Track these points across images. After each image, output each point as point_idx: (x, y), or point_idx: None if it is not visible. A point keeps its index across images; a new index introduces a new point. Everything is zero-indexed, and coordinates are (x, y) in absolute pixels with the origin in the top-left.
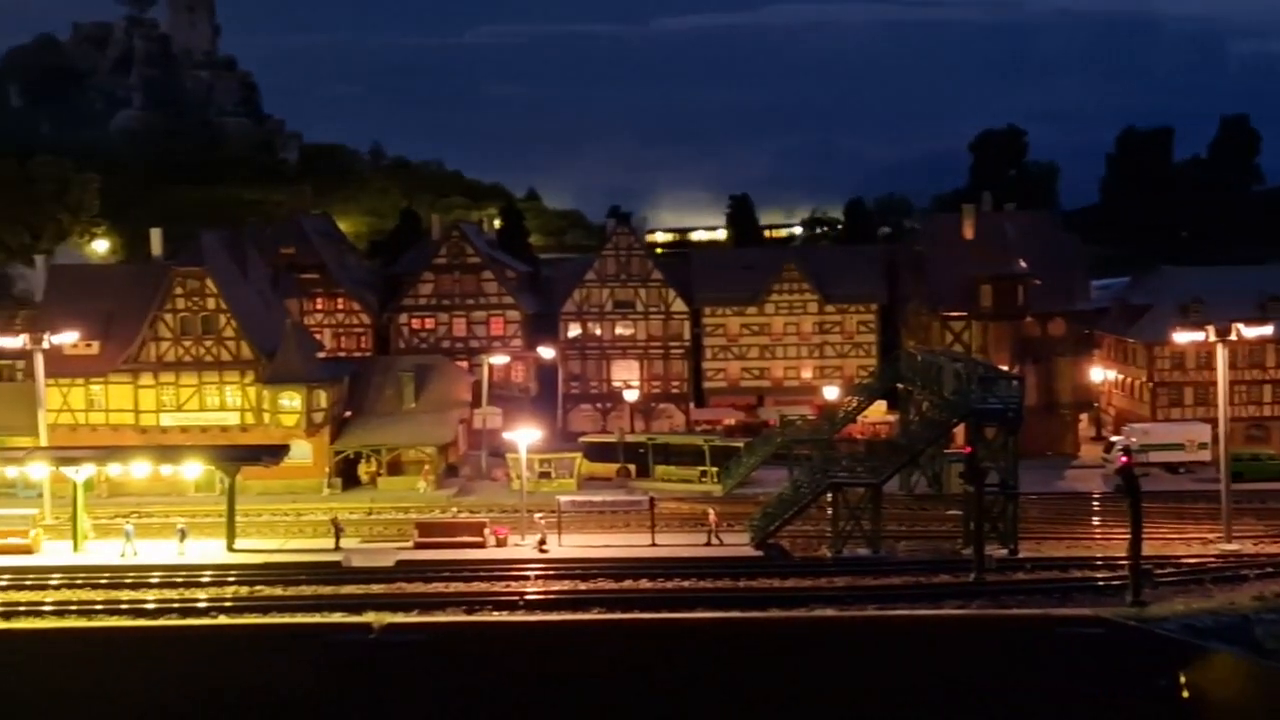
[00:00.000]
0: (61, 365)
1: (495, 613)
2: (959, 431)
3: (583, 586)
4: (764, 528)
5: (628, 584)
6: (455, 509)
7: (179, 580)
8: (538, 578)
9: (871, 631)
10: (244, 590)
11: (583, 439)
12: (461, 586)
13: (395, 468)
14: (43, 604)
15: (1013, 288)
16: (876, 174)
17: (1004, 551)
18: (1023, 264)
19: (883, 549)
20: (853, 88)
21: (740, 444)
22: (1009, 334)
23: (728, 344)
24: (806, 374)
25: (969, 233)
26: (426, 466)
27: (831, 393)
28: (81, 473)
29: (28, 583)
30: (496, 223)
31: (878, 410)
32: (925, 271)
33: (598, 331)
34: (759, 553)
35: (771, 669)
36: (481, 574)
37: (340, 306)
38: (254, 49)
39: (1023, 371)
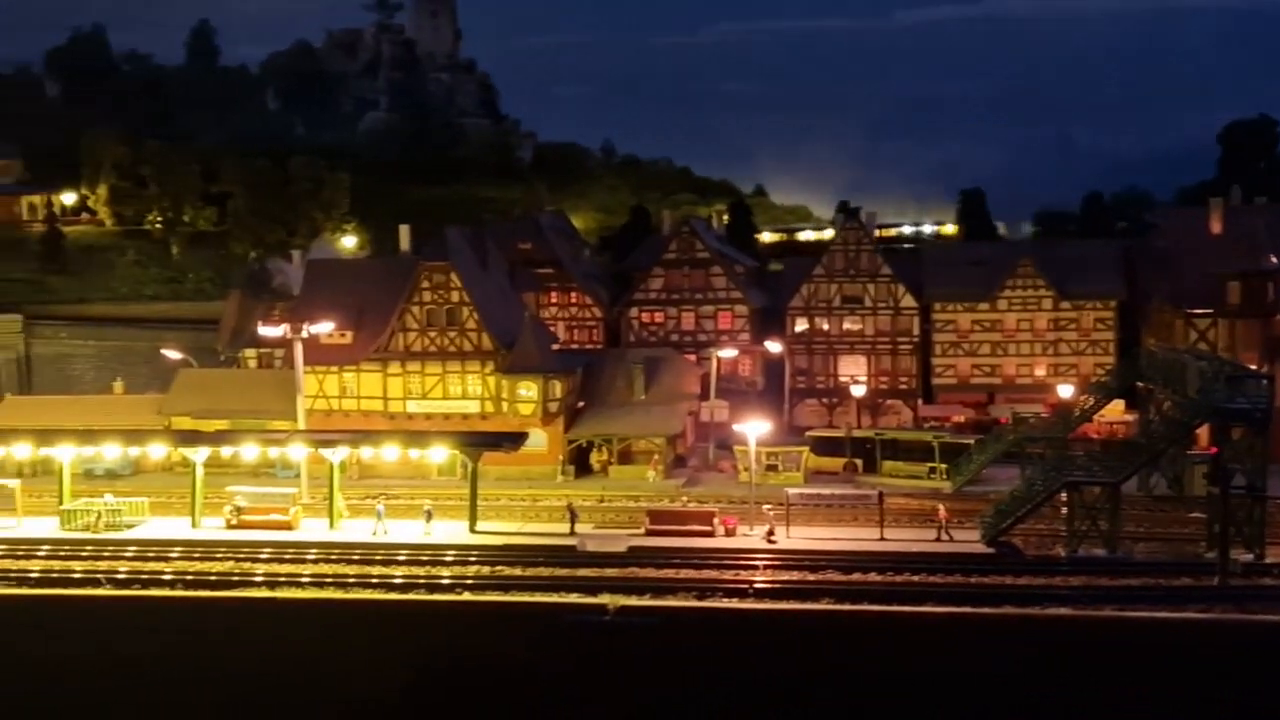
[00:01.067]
0: (318, 354)
1: (725, 599)
2: (1202, 432)
3: (811, 577)
4: (996, 525)
5: (856, 577)
6: (684, 498)
7: (425, 558)
8: (766, 567)
9: (1109, 632)
10: (485, 570)
11: (810, 433)
12: (692, 573)
13: (625, 457)
14: (301, 576)
15: (1263, 284)
16: (1114, 167)
17: (1249, 556)
18: (1274, 260)
19: (1120, 550)
20: (1091, 79)
21: (970, 441)
22: (1258, 332)
23: (958, 340)
24: (1040, 371)
25: (1216, 227)
26: (655, 456)
27: (1066, 391)
28: (337, 454)
29: (287, 556)
30: (725, 218)
31: (1115, 409)
32: (1168, 267)
33: (825, 326)
34: (990, 550)
35: (1003, 665)
36: (711, 562)
37: (573, 300)
38: (492, 51)
39: (1272, 371)
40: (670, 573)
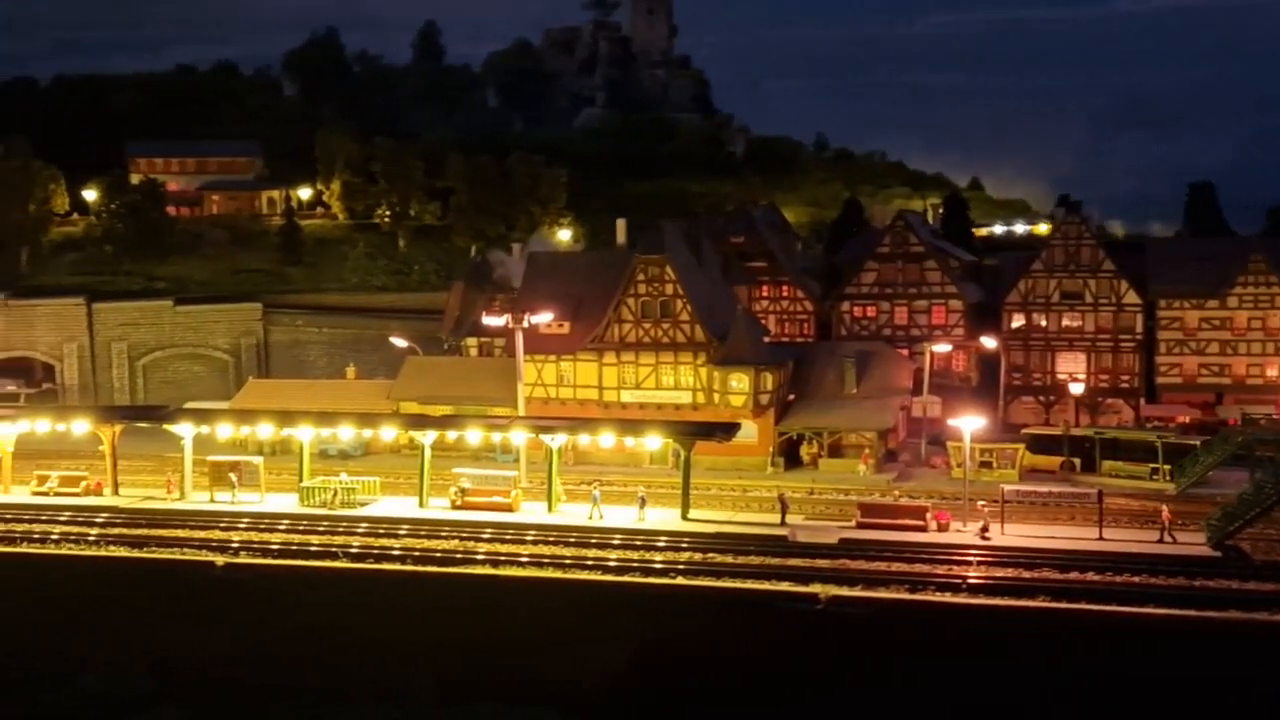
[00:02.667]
0: (537, 343)
1: (938, 593)
2: None
3: (1026, 575)
4: (1223, 528)
5: (1074, 575)
6: (896, 493)
7: (638, 543)
8: (980, 563)
9: None
10: (697, 556)
11: (1025, 430)
12: (903, 566)
13: (836, 450)
14: (520, 556)
15: None
16: None
17: None
18: None
19: None
20: None
21: (1196, 442)
22: None
23: (1184, 338)
24: (1272, 372)
25: None
26: (866, 450)
27: None
28: (556, 440)
29: (508, 536)
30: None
31: None
32: None
33: (1043, 322)
34: (1217, 553)
35: (1227, 669)
36: (923, 556)
37: (785, 294)
38: (706, 47)
39: None
40: (881, 565)
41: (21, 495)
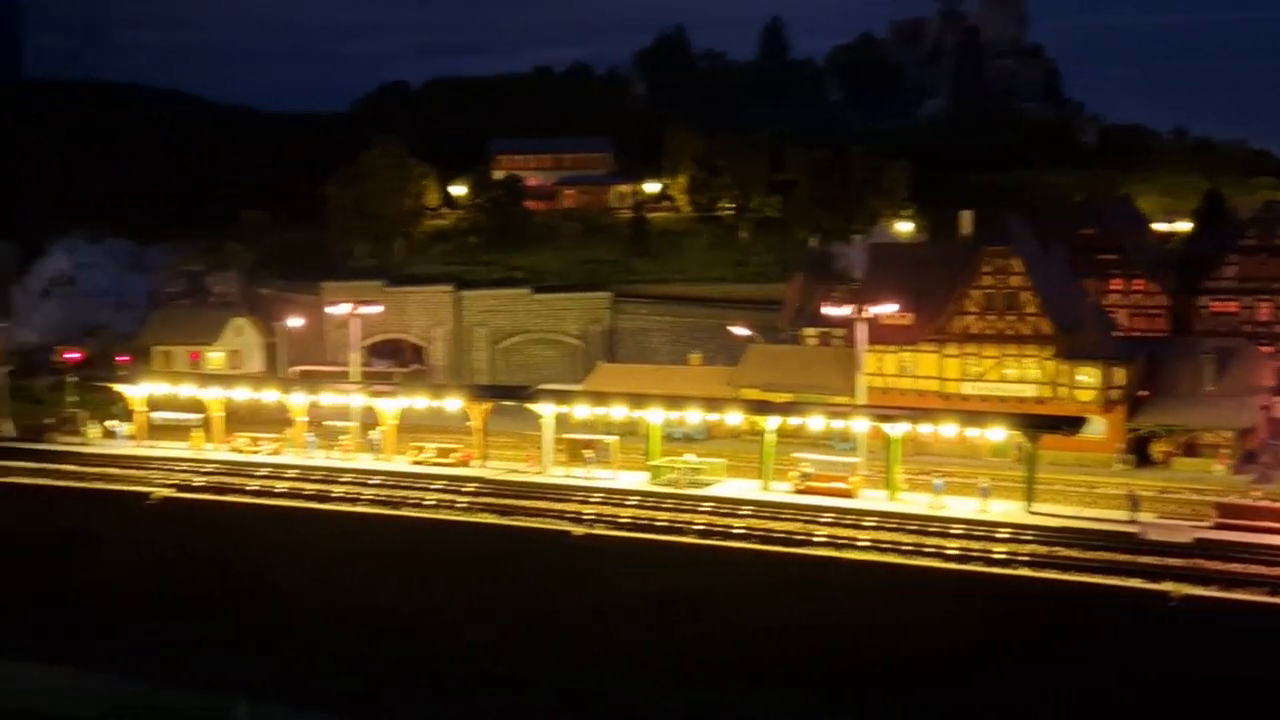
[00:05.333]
0: (877, 334)
1: None
2: None
3: None
4: None
5: None
6: (1255, 494)
7: (979, 533)
8: None
9: None
10: (1041, 549)
11: None
12: (1262, 569)
13: (1190, 449)
14: (857, 540)
15: None
16: None
17: None
18: None
19: None
20: None
21: None
22: None
23: None
24: None
25: None
26: (1224, 450)
27: None
28: (898, 429)
29: (847, 521)
30: None
31: None
32: None
33: None
34: None
35: None
36: None
37: (1136, 287)
38: (1060, 35)
39: None
40: (1239, 567)
41: (400, 464)
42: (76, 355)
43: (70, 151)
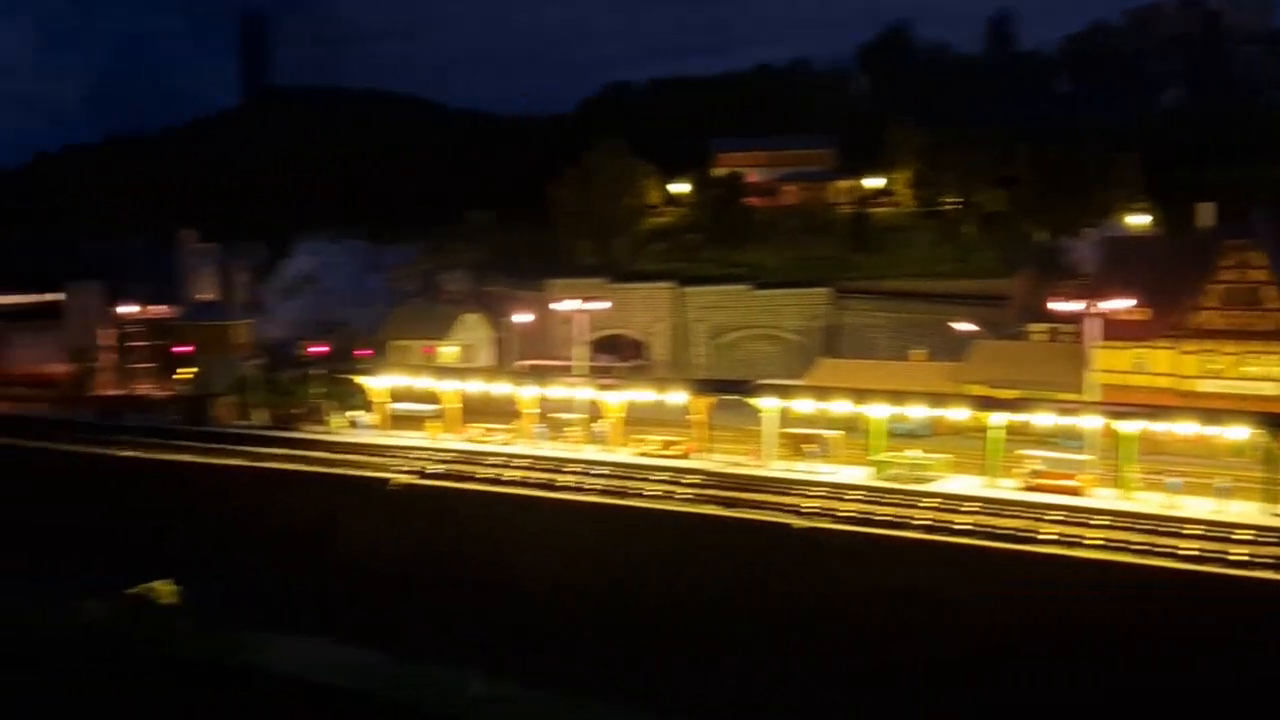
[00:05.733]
0: (1109, 330)
1: None
2: None
3: None
4: None
5: None
6: None
7: (1216, 535)
8: None
9: None
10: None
11: None
12: None
13: None
14: (1084, 538)
15: None
16: None
17: None
18: None
19: None
20: None
21: None
22: None
23: None
24: None
25: None
26: None
27: None
28: (1132, 427)
29: (1075, 519)
30: None
31: None
32: None
33: None
34: None
35: None
36: None
37: None
38: None
39: None
40: None
41: (624, 455)
42: (323, 349)
43: (314, 155)
